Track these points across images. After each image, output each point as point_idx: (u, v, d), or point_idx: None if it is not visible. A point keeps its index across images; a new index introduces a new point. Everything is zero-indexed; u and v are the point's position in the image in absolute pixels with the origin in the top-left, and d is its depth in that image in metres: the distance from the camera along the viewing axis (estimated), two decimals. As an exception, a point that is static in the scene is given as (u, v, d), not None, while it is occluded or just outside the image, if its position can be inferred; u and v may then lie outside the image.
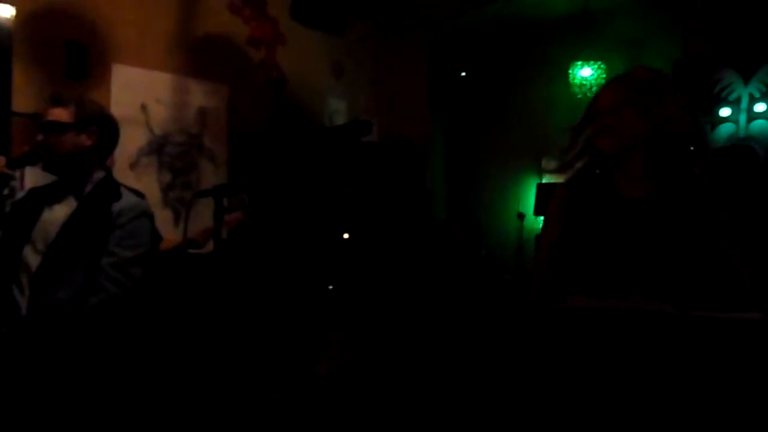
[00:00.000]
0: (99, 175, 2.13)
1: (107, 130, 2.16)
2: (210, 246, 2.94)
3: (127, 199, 2.10)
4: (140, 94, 3.83)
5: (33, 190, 2.20)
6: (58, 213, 2.06)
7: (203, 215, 2.16)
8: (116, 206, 2.06)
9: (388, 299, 3.64)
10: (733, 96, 3.12)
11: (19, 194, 2.29)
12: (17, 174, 3.30)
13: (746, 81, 3.11)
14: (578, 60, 4.56)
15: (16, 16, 3.33)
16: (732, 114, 3.12)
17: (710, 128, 3.20)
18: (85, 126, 2.11)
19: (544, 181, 5.34)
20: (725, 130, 3.12)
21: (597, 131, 1.51)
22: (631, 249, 1.46)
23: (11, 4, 3.31)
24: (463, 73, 5.12)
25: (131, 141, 3.76)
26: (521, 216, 5.21)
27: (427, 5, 5.22)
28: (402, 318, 3.54)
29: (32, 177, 3.36)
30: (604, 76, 4.45)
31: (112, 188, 2.12)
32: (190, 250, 3.14)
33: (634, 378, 1.15)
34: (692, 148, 1.46)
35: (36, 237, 2.03)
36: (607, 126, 1.48)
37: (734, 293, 1.41)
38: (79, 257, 2.01)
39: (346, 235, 3.18)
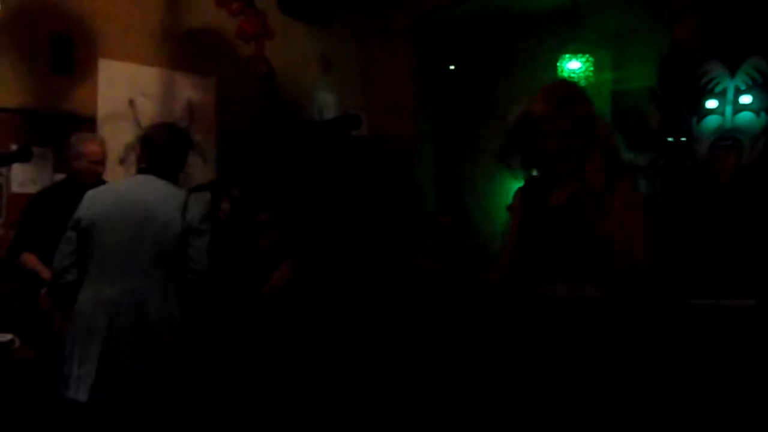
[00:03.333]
0: None
1: None
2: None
3: None
4: (127, 89, 3.79)
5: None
6: None
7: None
8: None
9: (373, 290, 3.65)
10: (719, 88, 3.13)
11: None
12: (4, 170, 3.27)
13: (732, 73, 3.13)
14: (566, 53, 4.57)
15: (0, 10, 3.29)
16: (718, 106, 3.14)
17: (696, 120, 3.22)
18: None
19: (533, 174, 5.36)
20: (711, 122, 3.14)
21: (538, 135, 1.69)
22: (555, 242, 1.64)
23: (-6, -2, 3.26)
24: (452, 67, 5.12)
25: (119, 136, 3.73)
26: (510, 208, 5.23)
27: (415, -2, 5.21)
28: (385, 309, 3.55)
29: (19, 174, 3.33)
30: (591, 69, 4.47)
31: None
32: None
33: (630, 364, 1.17)
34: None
35: None
36: (546, 130, 1.66)
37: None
38: None
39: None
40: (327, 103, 5.01)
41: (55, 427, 2.21)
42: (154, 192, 2.27)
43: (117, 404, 2.09)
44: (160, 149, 2.32)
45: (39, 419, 2.30)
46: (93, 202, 2.26)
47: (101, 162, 2.95)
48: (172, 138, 2.37)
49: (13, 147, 3.23)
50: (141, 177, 2.34)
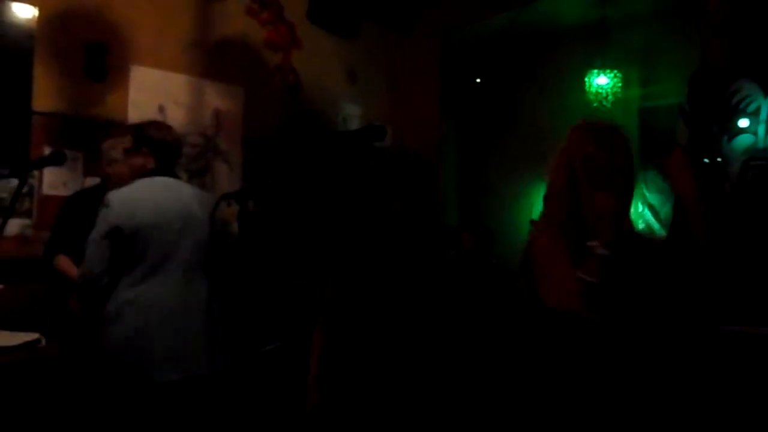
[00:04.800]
0: None
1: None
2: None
3: None
4: (158, 96, 3.86)
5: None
6: None
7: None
8: None
9: (394, 301, 3.62)
10: (752, 107, 3.08)
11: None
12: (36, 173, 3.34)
13: (766, 92, 3.08)
14: (594, 68, 4.54)
15: (39, 16, 3.38)
16: (750, 125, 3.09)
17: (727, 139, 3.17)
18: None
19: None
20: (743, 141, 3.09)
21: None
22: None
23: (34, 5, 3.35)
24: (479, 80, 5.11)
25: (148, 142, 3.79)
26: (533, 223, 5.19)
27: (441, 12, 5.23)
28: (405, 321, 3.52)
29: (50, 177, 3.40)
30: (620, 84, 4.43)
31: None
32: None
33: (666, 390, 1.14)
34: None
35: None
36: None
37: None
38: None
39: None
40: (352, 113, 5.04)
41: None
42: (185, 194, 2.37)
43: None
44: (170, 148, 2.37)
45: (62, 416, 2.33)
46: (131, 209, 2.22)
47: None
48: (175, 136, 2.41)
49: (47, 150, 3.31)
50: (162, 179, 2.36)
